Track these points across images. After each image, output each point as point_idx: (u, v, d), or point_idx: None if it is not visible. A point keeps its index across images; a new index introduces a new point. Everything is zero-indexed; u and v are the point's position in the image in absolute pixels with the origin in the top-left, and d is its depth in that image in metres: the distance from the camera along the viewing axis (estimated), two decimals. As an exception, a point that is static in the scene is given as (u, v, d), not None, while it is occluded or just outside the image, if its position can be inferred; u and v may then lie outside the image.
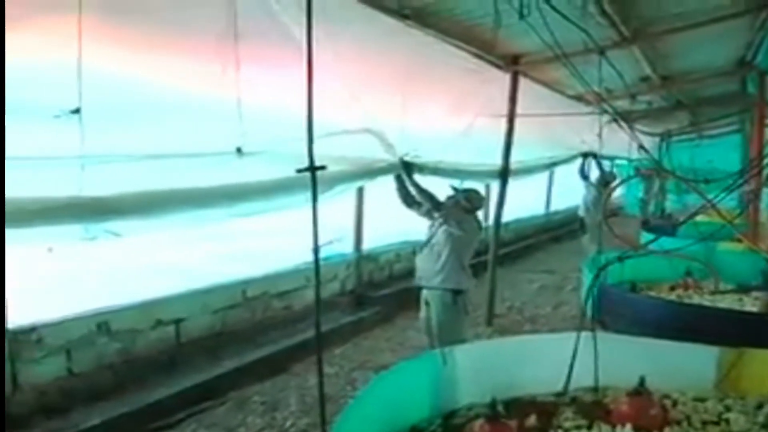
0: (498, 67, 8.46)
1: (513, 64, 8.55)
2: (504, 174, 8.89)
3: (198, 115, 4.76)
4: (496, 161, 8.98)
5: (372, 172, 6.51)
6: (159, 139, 4.54)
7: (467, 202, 6.39)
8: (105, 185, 3.98)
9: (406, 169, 6.64)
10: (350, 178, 6.20)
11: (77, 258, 5.46)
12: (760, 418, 4.84)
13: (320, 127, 3.60)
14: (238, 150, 4.91)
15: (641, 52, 9.31)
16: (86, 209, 3.79)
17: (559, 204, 18.17)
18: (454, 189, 6.52)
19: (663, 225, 13.77)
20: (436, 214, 6.34)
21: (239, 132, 4.85)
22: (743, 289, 8.73)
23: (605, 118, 10.10)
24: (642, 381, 4.87)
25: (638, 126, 16.97)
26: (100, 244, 4.24)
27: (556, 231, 17.70)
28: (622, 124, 7.55)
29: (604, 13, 7.08)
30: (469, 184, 7.14)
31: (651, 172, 16.39)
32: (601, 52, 7.89)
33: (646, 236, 12.52)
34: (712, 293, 8.73)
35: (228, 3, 4.26)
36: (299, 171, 3.13)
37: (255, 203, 5.09)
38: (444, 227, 6.20)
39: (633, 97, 11.61)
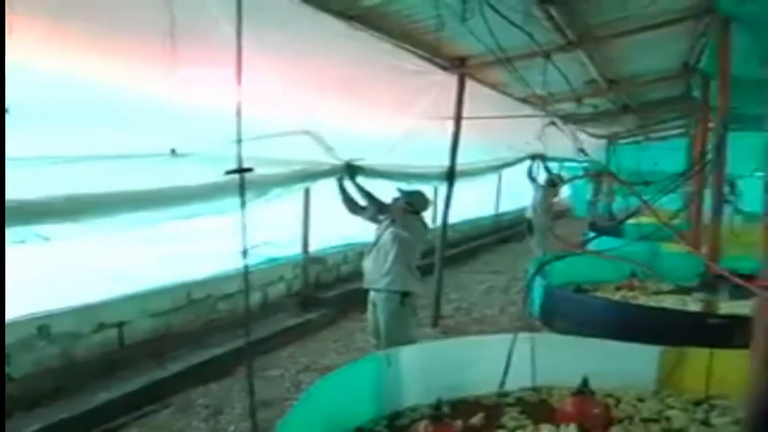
0: (445, 69, 8.46)
1: (460, 66, 8.56)
2: (451, 176, 8.87)
3: (133, 116, 4.69)
4: (444, 163, 8.98)
5: (313, 174, 6.47)
6: (92, 140, 4.46)
7: (412, 204, 6.39)
8: (35, 187, 3.91)
9: (350, 172, 6.63)
10: (290, 181, 6.15)
11: (13, 262, 5.33)
12: (699, 415, 4.98)
13: (260, 129, 3.58)
14: (173, 151, 4.85)
15: (587, 56, 9.41)
16: (12, 213, 3.71)
17: (508, 205, 18.29)
18: (400, 191, 6.52)
19: (609, 226, 13.98)
20: (381, 217, 6.35)
21: (174, 133, 4.79)
22: (682, 289, 8.92)
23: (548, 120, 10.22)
24: (585, 381, 4.99)
25: (587, 128, 17.25)
26: (33, 248, 4.16)
27: (505, 232, 17.81)
28: (562, 126, 7.62)
29: (550, 17, 7.14)
30: (416, 186, 7.14)
31: (599, 174, 16.65)
32: (546, 55, 7.97)
33: (591, 238, 12.69)
34: (653, 293, 8.91)
35: (165, 3, 4.20)
36: (228, 173, 3.12)
37: (190, 206, 5.03)
38: (390, 229, 6.21)
39: (579, 100, 11.74)
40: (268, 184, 5.51)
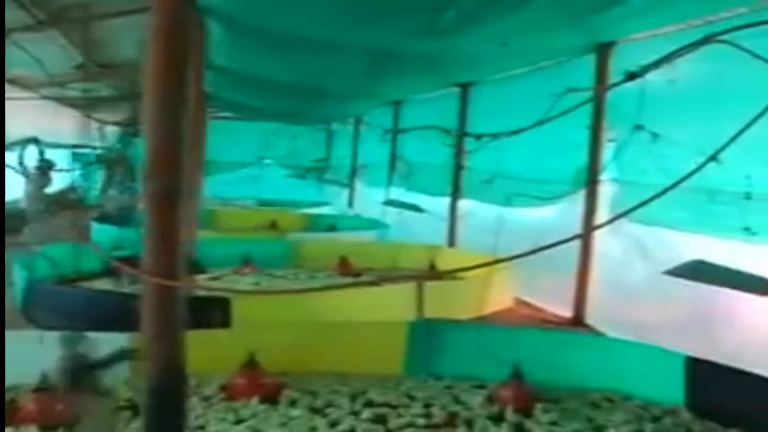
0: None
1: None
2: None
3: None
4: None
5: None
6: None
7: None
8: None
9: None
10: None
11: None
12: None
13: None
14: None
15: (65, 37, 9.08)
16: None
17: (11, 194, 17.13)
18: None
19: (119, 215, 13.85)
20: None
21: None
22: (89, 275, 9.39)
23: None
24: (45, 377, 4.85)
25: (101, 114, 16.78)
26: None
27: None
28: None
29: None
30: None
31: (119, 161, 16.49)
32: (0, 34, 7.50)
33: (98, 228, 12.48)
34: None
35: None
36: None
37: None
38: None
39: (61, 84, 11.30)
40: None
